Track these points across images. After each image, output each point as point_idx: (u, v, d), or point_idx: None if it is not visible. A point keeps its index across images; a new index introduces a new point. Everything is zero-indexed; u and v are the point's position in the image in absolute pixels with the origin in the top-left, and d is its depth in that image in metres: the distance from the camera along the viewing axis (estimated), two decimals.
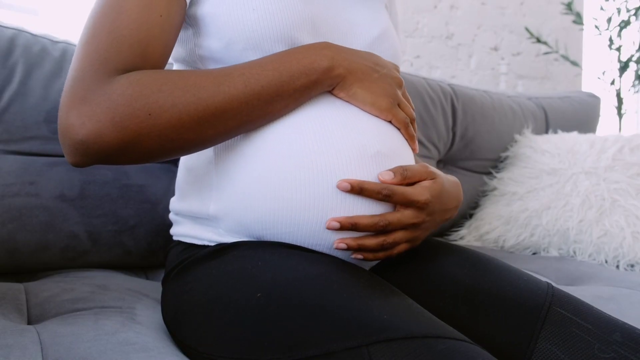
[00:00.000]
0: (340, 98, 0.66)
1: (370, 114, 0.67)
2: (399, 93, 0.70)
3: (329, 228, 0.61)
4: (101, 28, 0.60)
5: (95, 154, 0.57)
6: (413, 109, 0.73)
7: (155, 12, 0.61)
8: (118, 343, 0.59)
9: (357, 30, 0.73)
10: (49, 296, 0.74)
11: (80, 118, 0.56)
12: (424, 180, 0.66)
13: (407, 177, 0.64)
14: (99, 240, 0.92)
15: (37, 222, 0.87)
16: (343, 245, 0.62)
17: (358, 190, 0.61)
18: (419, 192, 0.64)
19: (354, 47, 0.73)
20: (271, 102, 0.61)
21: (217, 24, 0.66)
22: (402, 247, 0.66)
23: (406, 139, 0.71)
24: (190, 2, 0.67)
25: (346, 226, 0.61)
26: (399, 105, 0.69)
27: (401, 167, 0.64)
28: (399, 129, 0.70)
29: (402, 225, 0.63)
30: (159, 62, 0.62)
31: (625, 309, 0.88)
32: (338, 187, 0.61)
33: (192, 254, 0.68)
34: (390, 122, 0.68)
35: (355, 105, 0.66)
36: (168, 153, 0.60)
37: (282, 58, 0.63)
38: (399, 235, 0.64)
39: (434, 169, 0.69)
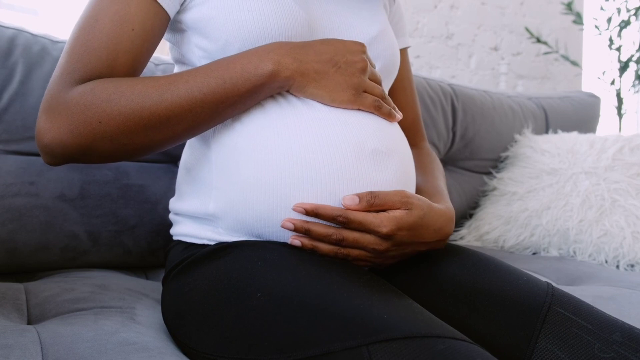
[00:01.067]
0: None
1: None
2: (363, 78, 0.67)
3: (283, 227, 0.62)
4: (77, 39, 0.65)
5: (60, 156, 0.64)
6: (380, 83, 0.71)
7: (128, 26, 0.65)
8: (118, 343, 0.59)
9: (354, 31, 0.74)
10: (49, 296, 0.74)
11: (46, 124, 0.63)
12: (396, 209, 0.62)
13: (373, 205, 0.61)
14: (99, 240, 0.92)
15: (37, 222, 0.87)
16: (297, 243, 0.63)
17: (313, 215, 0.61)
18: (382, 222, 0.61)
19: None
20: (215, 109, 0.63)
21: (213, 27, 0.66)
22: (361, 264, 0.65)
23: (384, 118, 0.69)
24: (183, 8, 0.69)
25: (300, 230, 0.62)
26: (365, 90, 0.67)
27: (371, 193, 0.62)
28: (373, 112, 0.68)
29: (359, 246, 0.62)
30: (127, 74, 0.66)
31: (625, 309, 0.88)
32: (294, 209, 0.62)
33: (192, 253, 0.68)
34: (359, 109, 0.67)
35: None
36: (125, 155, 0.65)
37: (228, 64, 0.63)
38: (355, 252, 0.63)
39: (415, 197, 0.64)
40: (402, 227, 0.62)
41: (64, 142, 0.62)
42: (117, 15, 0.64)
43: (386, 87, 0.80)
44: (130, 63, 0.66)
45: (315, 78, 0.65)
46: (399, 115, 0.71)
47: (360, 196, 0.61)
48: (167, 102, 0.61)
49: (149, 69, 1.03)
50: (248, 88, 0.63)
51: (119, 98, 0.61)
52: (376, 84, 0.69)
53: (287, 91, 0.66)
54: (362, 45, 0.69)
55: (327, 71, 0.65)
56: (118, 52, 0.64)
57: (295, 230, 0.62)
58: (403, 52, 0.91)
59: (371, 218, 0.61)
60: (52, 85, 0.64)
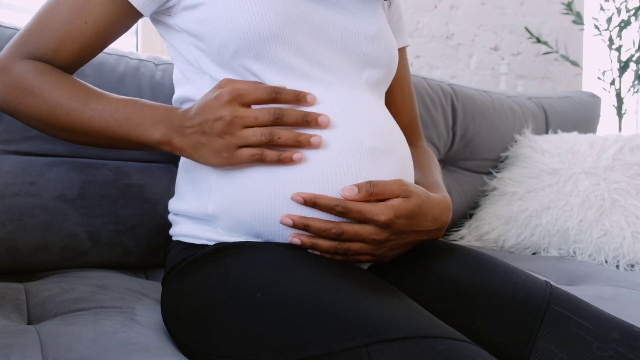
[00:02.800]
0: None
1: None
2: (228, 139, 0.61)
3: (281, 223, 0.62)
4: (37, 17, 0.71)
5: None
6: (271, 116, 0.62)
7: (82, 17, 0.69)
8: (118, 343, 0.59)
9: (351, 30, 0.72)
10: (49, 296, 0.74)
11: None
12: (395, 197, 0.62)
13: (373, 194, 0.61)
14: (99, 240, 0.92)
15: (37, 222, 0.87)
16: (297, 241, 0.62)
17: (311, 204, 0.61)
18: (380, 210, 0.61)
19: (346, 45, 0.71)
20: (112, 142, 0.69)
21: (207, 29, 0.66)
22: (362, 258, 0.64)
23: (275, 164, 0.63)
24: (172, 13, 0.69)
25: (298, 225, 0.61)
26: (241, 144, 0.62)
27: (369, 182, 0.62)
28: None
29: (359, 238, 0.62)
30: (70, 62, 0.72)
31: (625, 309, 0.88)
32: (292, 199, 0.62)
33: (192, 253, 0.68)
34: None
35: None
36: (46, 132, 0.73)
37: (131, 115, 0.67)
38: (356, 246, 0.62)
39: (413, 186, 0.64)
40: (401, 215, 0.62)
41: None
42: (76, 4, 0.69)
43: (384, 87, 0.79)
44: (76, 51, 0.71)
45: (193, 149, 0.65)
46: (298, 155, 0.62)
47: (359, 186, 0.62)
48: (71, 117, 0.68)
49: (149, 69, 1.03)
50: (136, 143, 0.68)
51: (38, 94, 0.68)
52: (257, 128, 0.61)
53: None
54: (224, 94, 0.62)
55: (199, 140, 0.64)
56: (66, 39, 0.70)
57: (294, 226, 0.62)
58: (402, 51, 0.91)
59: (370, 207, 0.61)
60: (6, 47, 0.72)
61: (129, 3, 0.68)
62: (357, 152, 0.64)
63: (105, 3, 0.69)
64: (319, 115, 0.63)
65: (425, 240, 0.68)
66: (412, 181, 0.72)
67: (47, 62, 0.71)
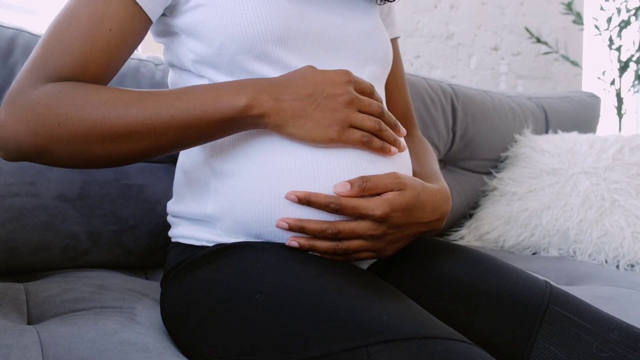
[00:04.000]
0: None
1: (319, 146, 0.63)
2: (347, 112, 0.62)
3: (277, 227, 0.62)
4: (51, 35, 0.62)
5: (15, 152, 0.61)
6: (379, 113, 0.65)
7: (105, 26, 0.62)
8: (118, 343, 0.59)
9: (348, 28, 0.72)
10: (49, 296, 0.74)
11: (6, 117, 0.60)
12: (389, 191, 0.62)
13: (366, 189, 0.61)
14: (99, 240, 0.92)
15: (37, 222, 0.87)
16: (295, 244, 0.62)
17: (305, 202, 0.61)
18: (375, 205, 0.60)
19: (345, 43, 0.71)
20: (181, 133, 0.60)
21: (207, 31, 0.66)
22: (363, 255, 0.64)
23: (376, 153, 0.65)
24: (175, 13, 0.68)
25: (294, 228, 0.61)
26: (353, 125, 0.63)
27: (361, 177, 0.62)
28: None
29: (356, 235, 0.62)
30: (99, 75, 0.63)
31: (625, 309, 0.88)
32: (286, 198, 0.61)
33: (191, 254, 0.68)
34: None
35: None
36: (84, 163, 0.62)
37: (202, 92, 0.61)
38: (354, 243, 0.62)
39: (407, 178, 0.64)
40: (396, 209, 0.61)
41: (19, 138, 0.59)
42: (94, 14, 0.62)
43: (383, 83, 0.79)
44: (105, 63, 0.63)
45: (292, 116, 0.61)
46: (394, 149, 0.66)
47: (351, 182, 0.61)
48: (131, 117, 0.59)
49: (149, 69, 1.02)
50: (217, 119, 0.60)
51: (83, 104, 0.59)
52: (369, 116, 0.64)
53: (266, 129, 0.63)
54: (346, 74, 0.64)
55: (306, 108, 0.61)
56: (92, 51, 0.62)
57: (290, 229, 0.61)
58: (393, 42, 0.90)
59: (364, 202, 0.61)
60: (19, 78, 0.62)
61: (140, 7, 0.65)
62: (357, 153, 0.64)
63: (123, 7, 0.63)
64: (398, 147, 0.67)
65: (426, 231, 0.67)
66: None
67: (76, 79, 0.62)
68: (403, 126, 0.82)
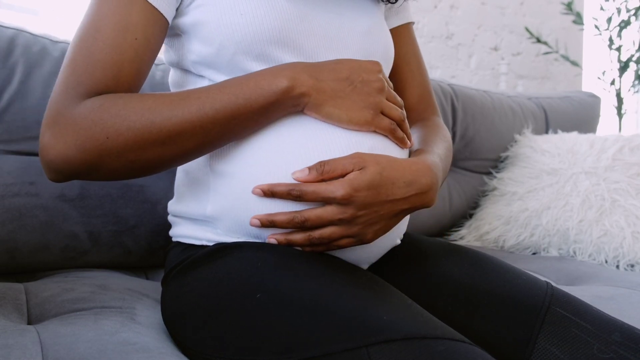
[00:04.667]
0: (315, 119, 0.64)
1: (350, 130, 0.64)
2: (380, 99, 0.65)
3: (251, 225, 0.62)
4: (79, 51, 0.63)
5: (66, 172, 0.61)
6: (402, 106, 0.70)
7: (131, 35, 0.63)
8: (118, 343, 0.59)
9: (347, 26, 0.73)
10: (49, 296, 0.74)
11: (51, 139, 0.60)
12: (350, 172, 0.60)
13: (324, 172, 0.60)
14: (99, 240, 0.92)
15: (37, 222, 0.87)
16: (273, 241, 0.62)
17: (270, 194, 0.61)
18: (335, 187, 0.59)
19: (345, 42, 0.72)
20: (228, 125, 0.61)
21: (206, 31, 0.66)
22: (343, 242, 0.62)
23: (396, 143, 0.68)
24: (178, 13, 0.68)
25: (265, 224, 0.61)
26: (382, 111, 0.66)
27: (320, 162, 0.61)
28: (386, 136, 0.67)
29: (325, 222, 0.60)
30: (133, 84, 0.64)
31: (625, 309, 0.88)
32: (253, 193, 0.62)
33: (191, 254, 0.68)
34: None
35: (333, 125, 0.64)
36: (134, 172, 0.63)
37: (242, 81, 0.62)
38: (327, 231, 0.61)
39: (368, 156, 0.62)
40: (359, 188, 0.59)
41: (69, 158, 0.60)
42: (119, 24, 0.62)
43: None
44: (135, 73, 0.64)
45: (332, 96, 0.63)
46: (410, 143, 0.70)
47: (310, 167, 0.61)
48: (177, 117, 0.60)
49: None
50: (261, 104, 0.61)
51: (128, 113, 0.59)
52: (394, 106, 0.68)
53: (302, 111, 0.63)
54: (377, 64, 0.67)
55: (344, 89, 0.63)
56: (123, 62, 0.63)
57: (262, 225, 0.62)
58: (404, 27, 0.88)
59: (324, 186, 0.59)
60: (56, 99, 0.62)
61: (159, 11, 0.65)
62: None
63: (144, 14, 0.63)
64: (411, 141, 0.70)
65: (408, 208, 0.64)
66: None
67: (111, 93, 0.63)
68: (419, 112, 0.86)
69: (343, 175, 0.60)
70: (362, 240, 0.63)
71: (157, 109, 0.60)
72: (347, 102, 0.63)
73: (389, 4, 0.84)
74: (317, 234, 0.61)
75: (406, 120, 0.69)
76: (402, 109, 0.69)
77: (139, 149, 0.60)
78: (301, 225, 0.60)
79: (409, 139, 0.70)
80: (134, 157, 0.60)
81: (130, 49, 0.63)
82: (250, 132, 0.64)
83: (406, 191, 0.62)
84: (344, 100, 0.63)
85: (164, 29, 0.67)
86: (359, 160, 0.60)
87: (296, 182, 0.61)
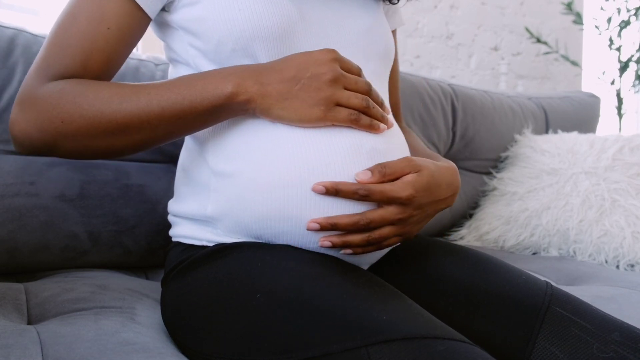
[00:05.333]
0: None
1: (351, 129, 0.64)
2: (332, 91, 0.62)
3: (309, 229, 0.61)
4: (54, 37, 0.66)
5: (29, 147, 0.66)
6: (366, 90, 0.65)
7: (104, 25, 0.65)
8: (118, 343, 0.59)
9: (347, 23, 0.72)
10: (49, 296, 0.74)
11: (17, 116, 0.65)
12: (407, 174, 0.63)
13: (386, 175, 0.62)
14: (99, 240, 0.92)
15: (37, 222, 0.87)
16: (328, 243, 0.62)
17: (333, 192, 0.61)
18: (401, 188, 0.61)
19: (345, 40, 0.71)
20: (174, 123, 0.63)
21: (204, 27, 0.66)
22: (392, 241, 0.64)
23: (364, 130, 0.65)
24: (172, 9, 0.68)
25: (326, 227, 0.61)
26: (339, 103, 0.63)
27: (380, 164, 0.62)
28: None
29: (387, 222, 0.62)
30: (101, 73, 0.67)
31: (625, 309, 0.88)
32: (313, 190, 0.61)
33: (192, 254, 0.68)
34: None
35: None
36: (91, 156, 0.67)
37: (190, 82, 0.63)
38: (385, 230, 0.62)
39: (420, 160, 0.65)
40: (419, 189, 0.62)
41: (30, 136, 0.64)
42: (94, 13, 0.65)
43: (382, 81, 0.78)
44: (105, 61, 0.66)
45: (278, 99, 0.62)
46: (383, 126, 0.66)
47: (371, 169, 0.62)
48: (126, 111, 0.62)
49: (149, 69, 1.03)
50: (206, 107, 0.62)
51: (82, 101, 0.62)
52: (355, 93, 0.64)
53: (255, 115, 0.64)
54: (331, 52, 0.63)
55: (290, 90, 0.62)
56: (92, 51, 0.65)
57: (322, 228, 0.61)
58: (394, 32, 0.89)
59: (390, 186, 0.61)
60: (27, 78, 0.66)
61: (137, 4, 0.66)
62: (357, 153, 0.64)
63: (120, 5, 0.66)
64: (386, 123, 0.67)
65: (443, 208, 0.68)
66: None
67: (78, 77, 0.66)
68: (395, 117, 0.83)
69: (397, 178, 0.62)
70: (407, 238, 0.66)
71: (108, 100, 0.62)
72: (296, 103, 0.62)
73: (389, 4, 0.84)
74: (376, 234, 0.62)
75: (373, 104, 0.65)
76: (368, 92, 0.65)
77: (90, 136, 0.63)
78: (364, 227, 0.61)
79: (384, 121, 0.66)
80: (87, 143, 0.64)
81: (101, 38, 0.65)
82: (197, 131, 0.66)
83: (447, 192, 0.67)
84: (292, 101, 0.62)
85: (143, 23, 0.68)
86: (414, 164, 0.63)
87: (314, 183, 0.61)
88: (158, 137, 0.65)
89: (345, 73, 0.64)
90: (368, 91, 0.65)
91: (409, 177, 0.62)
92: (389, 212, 0.61)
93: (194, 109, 0.62)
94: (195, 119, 0.63)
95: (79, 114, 0.62)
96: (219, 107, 0.62)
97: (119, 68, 0.70)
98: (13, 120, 0.65)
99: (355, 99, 0.64)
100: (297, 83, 0.62)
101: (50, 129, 0.63)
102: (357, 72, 0.66)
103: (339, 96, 0.63)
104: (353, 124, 0.64)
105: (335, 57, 0.64)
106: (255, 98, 0.62)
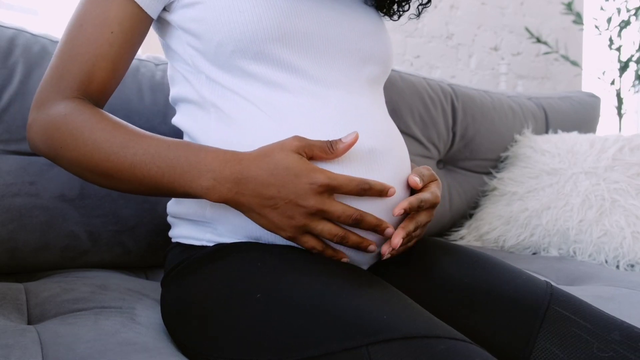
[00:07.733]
0: None
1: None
2: (305, 222, 0.59)
3: (386, 235, 0.63)
4: (64, 44, 0.69)
5: (37, 152, 0.70)
6: (352, 219, 0.60)
7: (107, 29, 0.67)
8: (118, 343, 0.59)
9: (347, 26, 0.72)
10: (49, 296, 0.74)
11: (32, 122, 0.69)
12: (432, 182, 0.71)
13: (425, 183, 0.69)
14: (99, 240, 0.92)
15: (37, 222, 0.87)
16: (388, 255, 0.65)
17: (409, 209, 0.65)
18: (434, 196, 0.68)
19: (346, 42, 0.71)
20: (154, 189, 0.64)
21: (204, 28, 0.66)
22: (413, 242, 0.71)
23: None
24: (171, 9, 0.69)
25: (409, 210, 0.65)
26: (311, 232, 0.60)
27: (419, 174, 0.69)
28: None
29: (423, 225, 0.69)
30: (106, 80, 0.69)
31: (625, 309, 0.88)
32: (395, 215, 0.64)
33: (191, 254, 0.68)
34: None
35: None
36: (86, 180, 0.69)
37: (173, 160, 0.62)
38: (418, 231, 0.69)
39: (429, 169, 0.73)
40: (440, 196, 0.73)
41: (37, 144, 0.69)
42: (98, 19, 0.66)
43: (382, 83, 0.78)
44: (110, 68, 0.68)
45: (248, 210, 0.61)
46: (372, 247, 0.63)
47: (418, 175, 0.69)
48: (111, 163, 0.64)
49: (149, 69, 1.03)
50: (181, 193, 0.63)
51: (77, 136, 0.64)
52: (332, 226, 0.60)
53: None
54: (316, 182, 0.58)
55: (263, 209, 0.60)
56: (97, 57, 0.67)
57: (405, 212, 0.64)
58: None
59: (428, 195, 0.68)
60: (44, 86, 0.68)
61: (139, 6, 0.67)
62: (356, 154, 0.64)
63: (122, 8, 0.67)
64: (388, 226, 0.62)
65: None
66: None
67: (85, 89, 0.68)
68: None
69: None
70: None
71: (98, 146, 0.64)
72: (262, 219, 0.61)
73: (389, 20, 0.85)
74: (416, 234, 0.69)
75: (354, 235, 0.61)
76: (356, 222, 0.60)
77: (82, 169, 0.66)
78: (414, 230, 0.67)
79: (368, 243, 0.62)
80: (79, 173, 0.67)
81: (106, 43, 0.67)
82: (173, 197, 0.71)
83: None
84: (260, 217, 0.61)
85: (145, 24, 0.69)
86: (433, 173, 0.72)
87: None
88: (140, 193, 0.67)
89: (332, 207, 0.59)
90: (352, 224, 0.60)
91: (434, 187, 0.70)
92: (427, 216, 0.69)
93: (170, 189, 0.63)
94: (170, 194, 0.65)
95: (74, 147, 0.65)
96: (192, 195, 0.63)
97: (124, 73, 0.71)
98: (29, 123, 0.69)
99: (329, 235, 0.60)
100: (272, 204, 0.59)
101: (52, 148, 0.67)
102: (351, 188, 0.60)
103: (312, 227, 0.60)
104: (318, 252, 0.62)
105: (321, 191, 0.59)
106: (226, 201, 0.61)
